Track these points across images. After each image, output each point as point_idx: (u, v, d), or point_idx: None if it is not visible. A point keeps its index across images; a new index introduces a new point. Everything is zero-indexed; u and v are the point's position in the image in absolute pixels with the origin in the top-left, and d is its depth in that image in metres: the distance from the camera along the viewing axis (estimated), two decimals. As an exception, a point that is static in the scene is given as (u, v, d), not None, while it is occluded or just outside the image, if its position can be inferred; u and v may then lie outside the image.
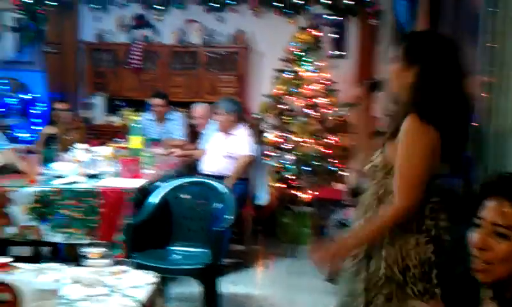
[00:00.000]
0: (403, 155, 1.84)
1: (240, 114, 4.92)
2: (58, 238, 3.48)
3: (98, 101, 6.83)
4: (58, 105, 5.70)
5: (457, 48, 1.94)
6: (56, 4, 6.62)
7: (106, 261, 1.85)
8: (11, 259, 1.86)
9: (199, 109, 5.53)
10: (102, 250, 1.93)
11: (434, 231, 1.87)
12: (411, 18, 4.78)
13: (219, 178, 4.30)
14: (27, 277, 1.86)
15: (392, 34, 5.33)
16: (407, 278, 1.86)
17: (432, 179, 1.88)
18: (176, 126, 5.80)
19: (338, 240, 2.05)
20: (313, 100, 5.71)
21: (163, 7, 6.78)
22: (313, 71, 5.76)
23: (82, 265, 1.91)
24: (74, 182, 3.57)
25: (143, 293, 1.85)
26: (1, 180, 3.66)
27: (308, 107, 5.70)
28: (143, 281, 1.95)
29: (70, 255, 4.43)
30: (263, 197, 4.85)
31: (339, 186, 5.21)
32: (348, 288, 2.10)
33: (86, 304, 1.75)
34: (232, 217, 3.40)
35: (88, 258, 1.88)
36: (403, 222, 1.86)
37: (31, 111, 6.87)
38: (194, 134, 5.77)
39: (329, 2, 6.26)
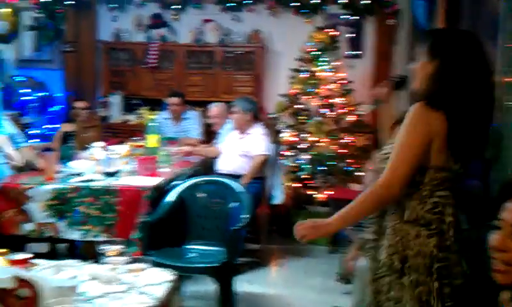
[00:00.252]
0: (401, 135, 1.86)
1: (256, 114, 4.92)
2: (75, 235, 3.51)
3: (115, 100, 6.88)
4: (77, 104, 5.76)
5: (480, 46, 1.93)
6: (74, 3, 6.68)
7: (124, 258, 1.86)
8: (31, 256, 1.88)
9: (215, 109, 5.54)
10: (119, 248, 1.94)
11: (438, 225, 1.87)
12: (429, 18, 4.75)
13: (235, 177, 4.31)
14: (46, 273, 1.88)
15: (409, 34, 5.30)
16: (404, 269, 1.87)
17: (437, 170, 1.86)
18: (192, 125, 5.84)
19: (323, 223, 2.07)
20: (329, 100, 5.70)
21: (180, 7, 6.81)
22: (330, 71, 5.74)
23: (101, 263, 1.92)
24: (91, 180, 3.60)
25: (160, 291, 1.86)
26: (20, 177, 3.70)
27: (323, 106, 5.68)
28: (160, 279, 1.96)
29: (86, 252, 4.48)
30: (278, 196, 4.85)
31: (355, 186, 5.19)
32: (362, 285, 2.11)
33: (103, 301, 1.76)
34: (248, 216, 3.40)
35: (106, 256, 1.89)
36: (405, 213, 1.87)
37: (49, 109, 6.94)
38: (210, 133, 5.79)
39: (347, 1, 6.24)
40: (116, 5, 6.92)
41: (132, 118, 6.88)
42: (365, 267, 2.14)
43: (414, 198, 1.88)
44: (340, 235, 4.13)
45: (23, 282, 1.61)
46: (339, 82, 5.75)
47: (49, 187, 3.48)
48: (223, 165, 4.80)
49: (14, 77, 6.71)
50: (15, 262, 1.82)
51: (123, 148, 4.34)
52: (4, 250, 2.19)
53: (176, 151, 4.87)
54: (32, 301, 1.60)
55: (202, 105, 6.54)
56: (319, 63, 5.75)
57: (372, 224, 2.03)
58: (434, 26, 4.60)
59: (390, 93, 2.17)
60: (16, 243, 3.33)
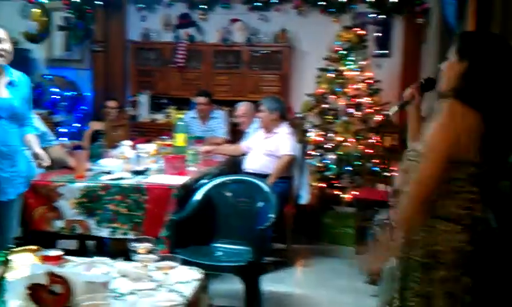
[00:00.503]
0: (434, 131, 1.88)
1: (283, 113, 4.92)
2: (104, 233, 3.56)
3: (143, 99, 6.95)
4: (107, 103, 5.84)
5: (510, 49, 1.94)
6: (104, 3, 6.78)
7: (154, 256, 1.89)
8: (63, 253, 1.91)
9: (242, 108, 5.56)
10: (149, 245, 1.96)
11: (468, 221, 1.88)
12: (459, 17, 4.68)
13: (261, 176, 4.32)
14: (79, 270, 1.92)
15: (438, 34, 5.23)
16: (434, 264, 1.89)
17: (467, 166, 1.86)
18: (219, 124, 5.87)
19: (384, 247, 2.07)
20: (356, 99, 5.66)
21: (208, 7, 6.86)
22: (357, 71, 5.71)
23: (131, 260, 1.95)
24: (120, 178, 3.65)
25: (189, 289, 1.88)
26: (51, 174, 3.77)
27: (350, 106, 5.65)
28: (188, 277, 1.98)
29: (114, 250, 4.54)
30: (304, 196, 4.84)
31: (382, 187, 5.15)
32: (389, 286, 2.10)
33: (133, 298, 1.79)
34: (275, 216, 3.40)
35: (137, 253, 1.92)
36: (435, 208, 1.88)
37: (78, 108, 7.06)
38: (237, 133, 5.81)
39: (375, 0, 6.20)
40: (144, 5, 6.99)
41: (159, 117, 6.95)
42: (393, 267, 2.13)
43: (444, 194, 1.89)
44: (367, 236, 4.11)
45: (56, 278, 1.64)
46: (366, 81, 5.71)
47: (79, 184, 3.54)
48: (250, 164, 4.81)
49: (44, 76, 6.84)
50: (48, 259, 1.86)
51: (152, 147, 4.38)
52: (35, 247, 2.24)
53: (197, 152, 4.92)
54: (64, 297, 1.64)
55: (229, 104, 6.58)
56: (347, 62, 5.72)
57: None
58: (464, 25, 4.53)
59: (417, 94, 2.17)
60: (46, 239, 3.40)
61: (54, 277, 1.65)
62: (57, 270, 1.68)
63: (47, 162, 3.14)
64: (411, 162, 1.99)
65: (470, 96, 1.85)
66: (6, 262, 1.62)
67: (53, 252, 1.89)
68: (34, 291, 1.65)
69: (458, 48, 1.97)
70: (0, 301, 1.59)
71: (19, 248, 2.16)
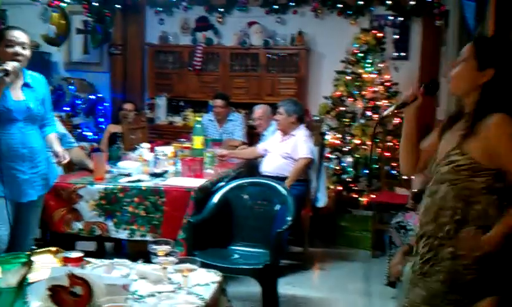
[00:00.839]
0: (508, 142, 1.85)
1: (301, 116, 4.91)
2: (123, 234, 3.58)
3: (161, 102, 7.00)
4: (125, 106, 5.89)
5: None
6: (122, 7, 6.84)
7: (173, 258, 1.90)
8: (83, 254, 1.93)
9: (259, 110, 5.57)
10: (168, 248, 1.98)
11: None
12: (479, 19, 4.64)
13: (278, 178, 4.32)
14: (99, 272, 1.94)
15: (458, 36, 5.18)
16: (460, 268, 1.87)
17: None
18: (236, 127, 5.89)
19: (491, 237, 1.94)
20: (374, 102, 5.64)
21: (225, 10, 6.88)
22: (375, 73, 5.69)
23: (151, 262, 1.97)
24: (138, 180, 3.68)
25: (208, 292, 1.89)
26: (71, 176, 3.82)
27: (368, 109, 5.63)
28: (207, 280, 1.99)
29: (132, 251, 4.58)
30: (322, 199, 4.82)
31: (401, 190, 5.13)
32: (411, 292, 2.08)
33: (153, 300, 1.80)
34: (292, 219, 3.40)
35: (157, 255, 1.93)
36: (486, 222, 1.85)
37: (97, 111, 7.13)
38: (254, 135, 5.82)
39: (393, 3, 6.17)
40: (162, 8, 7.04)
41: (177, 120, 6.99)
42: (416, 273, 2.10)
43: (495, 206, 1.87)
44: (384, 239, 4.09)
45: (77, 280, 1.66)
46: (384, 84, 5.69)
47: (99, 186, 3.57)
48: (267, 166, 4.82)
49: (64, 79, 6.92)
50: (68, 260, 1.88)
51: (169, 149, 4.41)
52: (55, 248, 2.27)
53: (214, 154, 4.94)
54: (85, 299, 1.65)
55: (246, 107, 6.60)
56: (364, 65, 5.71)
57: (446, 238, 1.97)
58: (483, 28, 4.48)
59: (420, 96, 2.11)
60: (65, 241, 3.43)
61: (74, 278, 1.66)
62: (78, 271, 1.70)
63: (65, 159, 3.16)
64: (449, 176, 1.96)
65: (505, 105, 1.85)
66: (28, 263, 1.64)
67: (74, 254, 1.91)
68: (55, 292, 1.67)
69: (478, 54, 1.95)
70: (22, 302, 1.61)
71: (39, 249, 2.18)
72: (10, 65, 2.85)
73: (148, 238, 3.50)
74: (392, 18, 6.36)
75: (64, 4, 6.50)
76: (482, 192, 1.88)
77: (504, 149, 1.85)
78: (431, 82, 2.14)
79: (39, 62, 6.49)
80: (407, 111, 2.15)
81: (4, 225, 3.01)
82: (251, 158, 5.08)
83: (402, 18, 6.32)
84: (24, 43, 2.99)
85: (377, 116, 5.60)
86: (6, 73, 2.82)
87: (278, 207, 3.60)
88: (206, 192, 3.68)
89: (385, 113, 2.28)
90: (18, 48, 2.96)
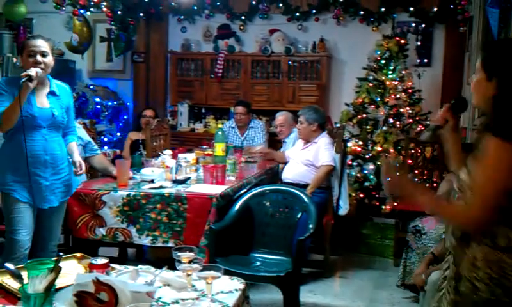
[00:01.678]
0: (484, 169, 1.73)
1: (322, 123, 4.90)
2: (145, 241, 3.60)
3: (183, 109, 7.05)
4: (147, 113, 5.95)
5: None
6: (145, 15, 6.93)
7: (197, 266, 1.91)
8: (108, 260, 1.95)
9: (281, 117, 5.57)
10: (192, 255, 1.98)
11: None
12: (502, 25, 4.59)
13: (300, 186, 4.31)
14: (124, 278, 1.95)
15: (481, 43, 5.13)
16: (505, 299, 1.73)
17: None
18: (257, 134, 5.91)
19: (416, 186, 1.98)
20: (397, 109, 5.60)
21: (247, 17, 6.92)
22: (397, 80, 5.65)
23: (175, 269, 1.98)
24: (161, 187, 3.70)
25: (232, 299, 1.89)
26: (95, 183, 3.86)
27: (391, 116, 5.59)
28: (231, 287, 1.99)
29: (154, 257, 4.61)
30: (343, 207, 4.80)
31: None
32: (433, 305, 2.04)
33: (177, 308, 1.81)
34: (314, 227, 3.39)
35: (181, 262, 1.94)
36: (495, 241, 1.74)
37: (120, 118, 7.21)
38: (275, 142, 5.83)
39: (416, 9, 6.14)
40: (185, 16, 7.11)
41: (198, 127, 7.03)
42: (436, 282, 2.08)
43: (507, 225, 1.74)
44: (407, 247, 4.06)
45: (102, 286, 1.68)
46: (407, 91, 5.65)
47: (122, 193, 3.60)
48: (288, 174, 4.81)
49: (88, 87, 7.01)
50: (94, 266, 1.90)
51: (191, 156, 4.43)
52: (79, 254, 2.29)
53: (254, 151, 4.97)
54: (110, 305, 1.67)
55: (267, 114, 6.62)
56: (387, 72, 5.67)
57: (451, 253, 1.91)
58: (507, 34, 4.44)
59: (450, 117, 2.04)
60: (87, 247, 3.47)
61: (100, 285, 1.68)
62: (103, 278, 1.72)
63: (82, 170, 3.20)
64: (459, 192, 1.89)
65: (509, 129, 1.69)
66: (57, 269, 1.66)
67: (99, 261, 1.93)
68: (81, 298, 1.69)
69: (485, 62, 1.81)
70: (49, 307, 1.63)
71: (65, 255, 2.20)
72: (33, 71, 2.90)
73: (171, 244, 3.51)
74: (414, 24, 6.32)
75: (89, 13, 6.60)
76: None
77: (476, 168, 1.76)
78: (456, 100, 2.06)
79: (63, 70, 6.60)
80: (444, 134, 2.08)
81: (24, 229, 3.06)
82: (281, 162, 5.06)
83: (425, 25, 6.29)
84: (45, 51, 3.04)
85: (399, 123, 5.56)
86: (30, 78, 2.87)
87: (299, 215, 3.59)
88: (228, 199, 3.69)
89: (423, 139, 2.21)
90: (38, 57, 3.00)
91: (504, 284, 1.73)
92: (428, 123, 5.52)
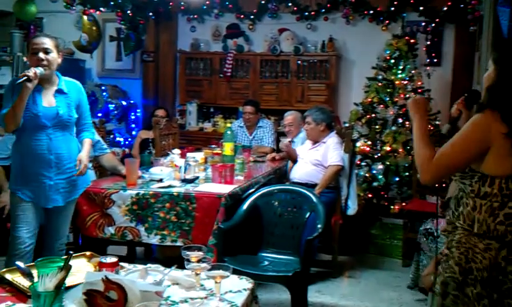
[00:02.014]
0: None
1: (330, 123, 4.89)
2: (154, 239, 3.61)
3: (192, 108, 7.06)
4: (157, 112, 5.96)
5: None
6: (155, 15, 6.94)
7: (206, 265, 1.91)
8: (118, 259, 1.96)
9: (289, 117, 5.57)
10: (201, 254, 1.99)
11: (509, 238, 1.84)
12: (513, 25, 4.56)
13: (308, 185, 4.31)
14: (133, 277, 1.96)
15: (492, 42, 5.09)
16: (468, 279, 1.87)
17: (506, 180, 1.85)
18: (265, 133, 5.90)
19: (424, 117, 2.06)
20: (406, 108, 5.57)
21: (256, 17, 6.92)
22: (406, 80, 5.63)
23: (184, 268, 1.98)
24: (170, 186, 3.71)
25: (241, 299, 1.89)
26: (104, 182, 3.88)
27: (400, 116, 5.57)
28: (240, 286, 2.00)
29: (162, 256, 4.63)
30: (352, 207, 4.79)
31: (432, 198, 5.05)
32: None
33: None
34: (322, 226, 3.38)
35: (190, 261, 1.94)
36: (472, 225, 1.88)
37: (129, 117, 7.24)
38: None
39: (426, 8, 6.12)
40: (194, 16, 7.12)
41: (207, 126, 7.04)
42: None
43: (484, 210, 1.87)
44: (416, 248, 4.04)
45: (112, 284, 1.69)
46: (417, 90, 5.62)
47: (131, 192, 3.62)
48: (297, 173, 4.81)
49: (97, 86, 7.05)
50: (103, 265, 1.91)
51: (200, 155, 4.44)
52: (89, 253, 2.31)
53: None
54: (120, 304, 1.68)
55: (276, 113, 6.61)
56: (396, 71, 5.65)
57: (446, 238, 2.03)
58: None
59: (464, 109, 2.11)
60: (96, 245, 3.49)
61: (109, 283, 1.69)
62: (113, 276, 1.73)
63: (80, 168, 3.14)
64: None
65: (498, 106, 1.84)
66: (67, 268, 1.67)
67: (109, 259, 1.94)
68: (91, 297, 1.70)
69: (496, 59, 1.96)
70: (59, 306, 1.64)
71: (75, 254, 2.22)
72: (32, 71, 2.90)
73: (179, 243, 3.53)
74: (424, 24, 6.30)
75: (98, 12, 6.63)
76: (471, 196, 1.90)
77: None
78: (469, 93, 2.13)
79: (73, 69, 6.64)
80: (460, 125, 2.14)
81: (25, 227, 3.08)
82: (295, 159, 5.03)
83: (434, 24, 6.26)
84: (48, 48, 3.03)
85: (408, 123, 5.54)
86: (28, 79, 2.87)
87: (307, 214, 3.58)
88: (236, 198, 3.70)
89: (443, 131, 2.21)
90: (41, 54, 3.00)
91: (471, 267, 1.86)
92: (437, 123, 5.50)
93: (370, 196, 5.50)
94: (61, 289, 1.63)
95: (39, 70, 2.94)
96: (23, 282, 1.92)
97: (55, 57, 3.07)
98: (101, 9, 6.48)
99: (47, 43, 3.05)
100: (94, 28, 6.88)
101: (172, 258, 2.50)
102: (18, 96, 2.90)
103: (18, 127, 2.99)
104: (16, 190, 3.09)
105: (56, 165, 3.10)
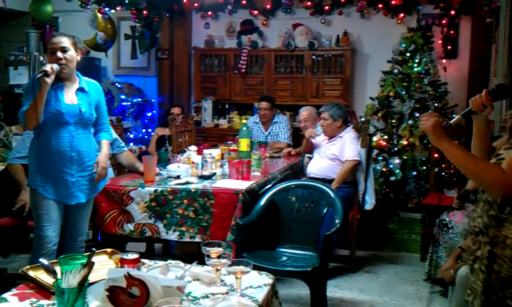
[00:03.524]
0: None
1: (346, 118, 4.87)
2: (172, 236, 3.64)
3: (207, 104, 7.08)
4: (173, 109, 5.98)
5: None
6: (169, 12, 6.97)
7: (227, 260, 1.92)
8: (139, 256, 1.98)
9: (305, 112, 5.55)
10: (221, 250, 2.00)
11: None
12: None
13: (325, 181, 4.30)
14: (155, 273, 1.98)
15: (509, 34, 5.04)
16: None
17: None
18: (281, 129, 5.89)
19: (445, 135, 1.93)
20: (422, 102, 5.54)
21: (270, 12, 6.92)
22: (423, 73, 5.58)
23: (204, 264, 1.99)
24: (187, 183, 3.73)
25: (261, 294, 1.90)
26: (122, 179, 3.91)
27: (416, 109, 5.53)
28: (260, 282, 2.00)
29: (180, 252, 4.65)
30: (369, 201, 4.76)
31: (450, 192, 5.02)
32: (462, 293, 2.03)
33: (208, 302, 1.82)
34: (340, 222, 3.38)
35: (210, 257, 1.95)
36: None
37: (145, 114, 7.28)
38: (299, 137, 5.81)
39: (441, 0, 6.06)
40: (208, 12, 7.13)
41: (222, 122, 7.05)
42: (467, 276, 2.07)
43: None
44: (434, 242, 4.02)
45: (134, 281, 1.70)
46: (436, 83, 5.58)
47: (149, 189, 3.64)
48: (313, 169, 4.80)
49: (113, 84, 7.09)
50: (125, 262, 1.93)
51: (216, 152, 4.46)
52: (110, 250, 2.32)
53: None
54: (142, 300, 1.69)
55: (291, 109, 6.61)
56: (412, 65, 5.61)
57: (483, 233, 1.91)
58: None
59: (489, 104, 2.00)
60: (115, 242, 3.51)
61: (131, 279, 1.70)
62: (135, 273, 1.74)
63: (100, 172, 3.19)
64: None
65: None
66: (90, 264, 1.69)
67: (131, 256, 1.95)
68: (113, 293, 1.72)
69: None
70: (82, 302, 1.66)
71: (97, 251, 2.24)
72: (48, 66, 2.94)
73: (197, 239, 3.55)
74: (439, 16, 6.24)
75: (113, 11, 6.67)
76: None
77: None
78: (499, 86, 2.02)
79: (89, 67, 6.68)
80: (477, 119, 2.07)
81: (52, 226, 3.11)
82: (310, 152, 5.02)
83: (450, 17, 6.19)
84: (65, 46, 3.07)
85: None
86: (46, 74, 2.91)
87: (325, 210, 3.58)
88: (253, 194, 3.70)
89: (452, 122, 2.10)
90: (59, 53, 3.04)
91: None
92: (454, 116, 5.45)
93: (387, 190, 5.47)
94: (84, 285, 1.65)
95: (55, 66, 2.98)
96: (46, 279, 1.94)
97: (73, 55, 3.10)
98: (117, 8, 6.52)
99: (64, 41, 3.08)
100: (109, 26, 6.92)
101: (190, 254, 2.52)
102: (37, 92, 2.92)
103: (39, 124, 3.01)
104: (38, 188, 3.10)
105: (77, 162, 3.13)
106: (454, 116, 5.18)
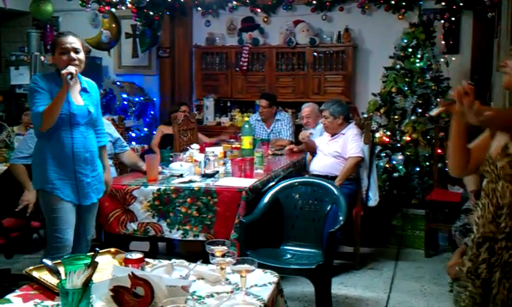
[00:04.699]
0: None
1: (347, 115, 4.85)
2: (176, 235, 3.63)
3: (209, 102, 7.07)
4: (183, 108, 5.97)
5: None
6: (170, 10, 6.95)
7: (231, 259, 1.91)
8: (143, 255, 1.96)
9: (307, 109, 5.54)
10: (225, 248, 1.99)
11: None
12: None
13: (328, 178, 4.29)
14: (159, 272, 1.97)
15: (511, 28, 5.01)
16: None
17: None
18: (283, 126, 5.88)
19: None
20: (425, 97, 5.51)
21: (271, 9, 6.90)
22: (425, 68, 5.56)
23: (209, 262, 1.98)
24: (190, 181, 3.72)
25: (266, 292, 1.89)
26: (125, 178, 3.90)
27: (419, 105, 5.51)
28: (265, 280, 1.99)
29: (183, 251, 4.65)
30: (373, 198, 4.75)
31: (454, 188, 5.00)
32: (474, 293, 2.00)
33: (213, 301, 1.81)
34: (344, 219, 3.36)
35: (214, 256, 1.94)
36: None
37: (147, 113, 7.26)
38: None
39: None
40: (209, 10, 7.12)
41: (224, 120, 7.04)
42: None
43: None
44: (438, 239, 4.00)
45: (138, 281, 1.69)
46: (439, 78, 5.56)
47: (152, 187, 3.63)
48: (316, 166, 4.78)
49: (114, 83, 7.08)
50: (129, 261, 1.92)
51: (219, 150, 4.44)
52: (113, 249, 2.31)
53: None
54: (147, 299, 1.68)
55: (293, 106, 6.59)
56: (414, 60, 5.59)
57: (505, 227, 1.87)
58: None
59: (469, 94, 1.87)
60: (119, 241, 3.50)
61: (136, 279, 1.69)
62: (140, 272, 1.73)
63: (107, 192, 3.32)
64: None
65: None
66: (94, 265, 1.68)
67: (135, 255, 1.94)
68: (118, 293, 1.71)
69: None
70: (86, 303, 1.65)
71: (101, 251, 2.23)
72: (73, 68, 2.92)
73: (201, 238, 3.55)
74: (441, 11, 6.21)
75: (113, 10, 6.65)
76: None
77: None
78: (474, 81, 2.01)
79: (90, 66, 6.66)
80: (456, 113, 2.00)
81: (70, 228, 3.08)
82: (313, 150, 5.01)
83: (452, 11, 6.17)
84: (77, 47, 3.04)
85: (427, 114, 5.48)
86: (71, 76, 2.89)
87: (329, 207, 3.56)
88: (257, 192, 3.69)
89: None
90: (72, 54, 3.01)
91: None
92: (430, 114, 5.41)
93: (390, 186, 5.45)
94: (88, 286, 1.64)
95: (72, 68, 2.95)
96: (50, 280, 1.93)
97: (83, 57, 3.09)
98: (122, 7, 6.50)
99: (76, 42, 3.05)
100: (114, 25, 6.91)
101: (194, 253, 2.51)
102: (59, 93, 2.89)
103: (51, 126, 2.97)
104: (54, 189, 3.02)
105: (90, 162, 3.13)
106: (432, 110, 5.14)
